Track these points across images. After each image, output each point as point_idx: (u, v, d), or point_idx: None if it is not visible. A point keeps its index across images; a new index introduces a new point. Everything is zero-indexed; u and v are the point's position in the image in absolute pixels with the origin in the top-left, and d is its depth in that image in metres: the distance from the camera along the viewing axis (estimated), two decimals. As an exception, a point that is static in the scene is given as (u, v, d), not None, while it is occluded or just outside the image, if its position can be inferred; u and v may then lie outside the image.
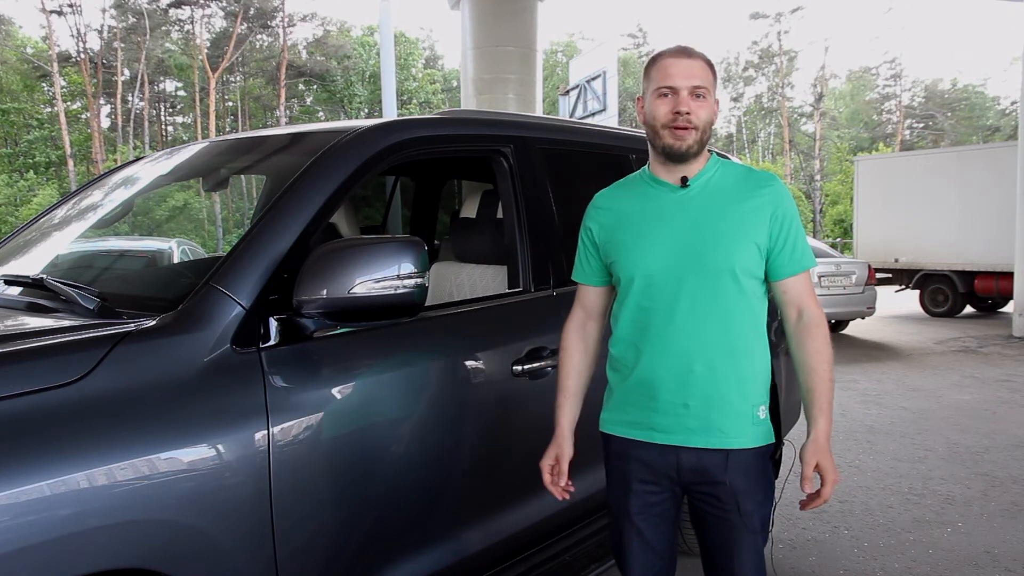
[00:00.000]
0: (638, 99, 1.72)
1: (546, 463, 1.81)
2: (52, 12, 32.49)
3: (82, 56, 33.28)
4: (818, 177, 38.22)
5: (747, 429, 1.63)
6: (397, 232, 3.72)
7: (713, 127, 1.67)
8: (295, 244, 1.72)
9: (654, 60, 1.66)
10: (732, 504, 1.63)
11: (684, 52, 1.63)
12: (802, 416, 4.20)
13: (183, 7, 36.07)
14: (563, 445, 1.80)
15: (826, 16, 68.58)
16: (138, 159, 2.85)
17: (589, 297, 1.84)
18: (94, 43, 34.57)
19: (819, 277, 9.80)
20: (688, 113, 1.59)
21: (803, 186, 38.00)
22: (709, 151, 1.73)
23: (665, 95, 1.61)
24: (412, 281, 1.69)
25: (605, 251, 1.74)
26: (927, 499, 4.05)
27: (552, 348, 2.22)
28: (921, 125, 44.10)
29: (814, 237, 25.38)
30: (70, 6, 32.53)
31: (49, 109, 33.69)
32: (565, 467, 1.80)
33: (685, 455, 1.64)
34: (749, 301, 1.64)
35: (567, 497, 1.82)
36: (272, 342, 1.65)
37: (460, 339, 2.10)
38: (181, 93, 39.16)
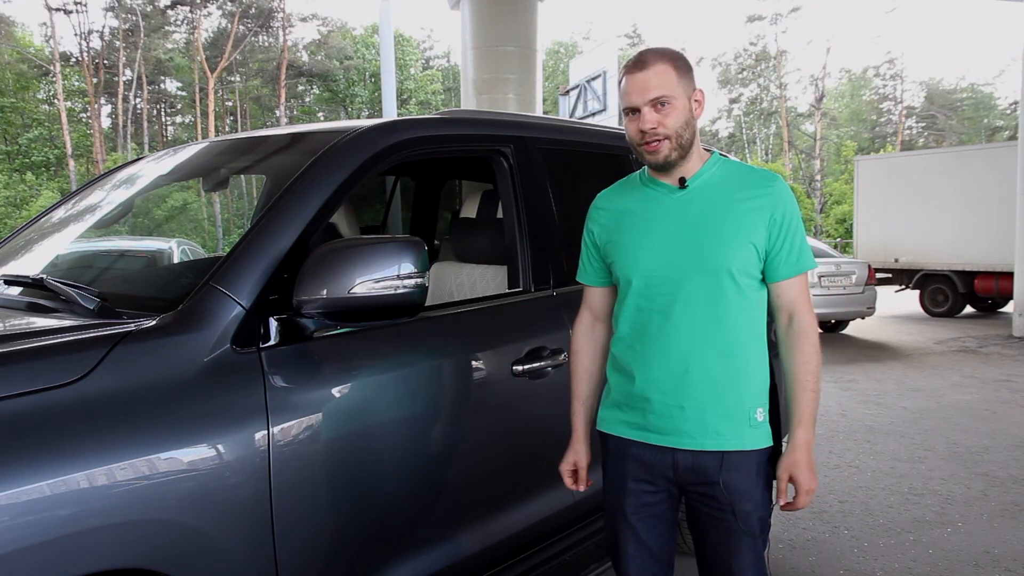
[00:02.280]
0: None
1: (566, 468, 1.84)
2: (56, 10, 32.52)
3: (83, 56, 33.29)
4: (818, 177, 38.23)
5: (743, 431, 1.63)
6: (397, 232, 3.73)
7: (695, 123, 1.62)
8: (295, 244, 1.72)
9: (620, 78, 1.64)
10: (728, 505, 1.62)
11: (638, 64, 1.59)
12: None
13: (181, 7, 36.08)
14: (580, 451, 1.83)
15: (826, 16, 68.55)
16: (138, 159, 2.85)
17: (594, 298, 1.84)
18: (95, 43, 34.64)
19: (819, 277, 9.80)
20: (653, 127, 1.57)
21: (803, 186, 38.00)
22: (709, 150, 1.72)
23: (631, 114, 1.61)
24: (412, 281, 1.69)
25: (605, 252, 1.74)
26: (927, 499, 4.05)
27: (552, 348, 2.22)
28: (922, 125, 44.10)
29: (815, 237, 25.36)
30: (76, 4, 32.56)
31: (48, 108, 33.67)
32: (584, 473, 1.83)
33: (681, 455, 1.64)
34: (747, 302, 1.63)
35: (586, 488, 1.86)
36: (272, 342, 1.65)
37: (460, 339, 2.10)
38: (181, 93, 39.16)
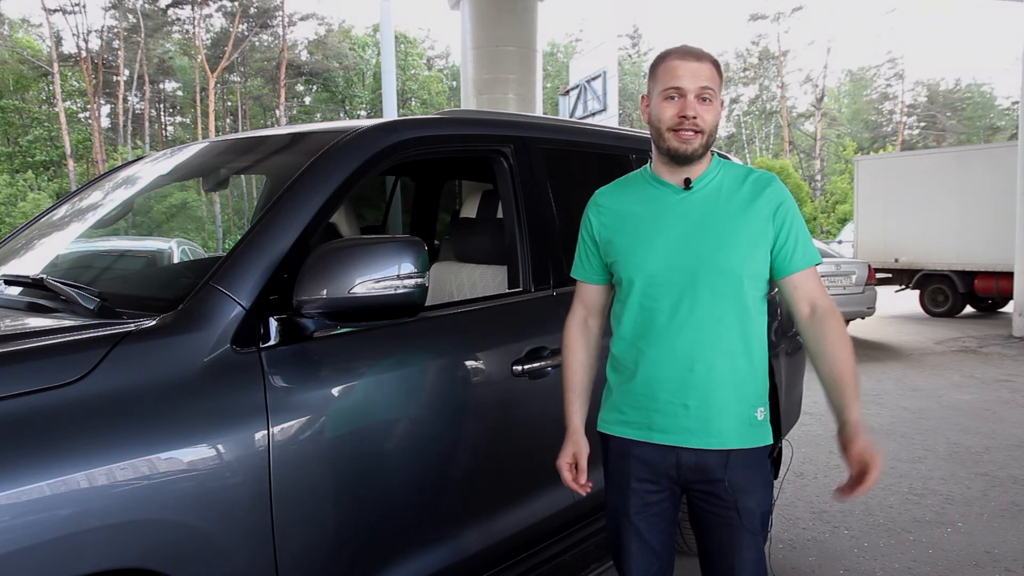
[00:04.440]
0: (643, 98, 1.71)
1: (564, 462, 1.79)
2: (54, 11, 32.56)
3: (82, 56, 33.29)
4: (819, 177, 38.23)
5: (745, 430, 1.63)
6: (397, 232, 3.72)
7: (717, 128, 1.67)
8: (295, 244, 1.72)
9: (661, 59, 1.64)
10: (732, 502, 1.63)
11: (692, 54, 1.61)
12: (802, 416, 4.22)
13: (182, 7, 36.10)
14: (579, 442, 1.79)
15: (827, 16, 68.57)
16: (138, 159, 2.85)
17: (589, 294, 1.84)
18: (94, 43, 34.64)
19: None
20: (695, 117, 1.58)
21: (807, 184, 37.98)
22: (711, 152, 1.73)
23: (672, 97, 1.60)
24: (412, 281, 1.69)
25: (606, 250, 1.73)
26: (927, 499, 4.05)
27: (552, 348, 2.22)
28: (923, 124, 44.11)
29: (818, 238, 25.30)
30: (74, 4, 32.59)
31: (48, 108, 33.64)
32: (584, 464, 1.78)
33: (685, 454, 1.64)
34: (750, 303, 1.64)
35: (588, 491, 1.80)
36: (272, 342, 1.65)
37: (460, 339, 2.10)
38: (180, 93, 39.17)
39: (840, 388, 1.61)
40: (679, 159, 1.62)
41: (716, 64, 1.63)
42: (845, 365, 1.61)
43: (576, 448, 1.79)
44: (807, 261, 1.65)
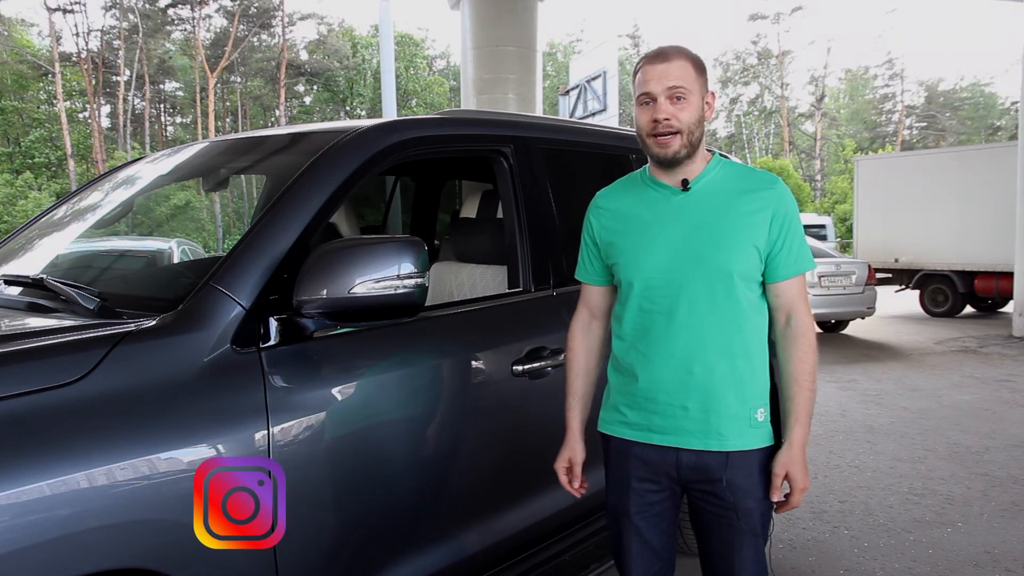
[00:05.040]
0: None
1: (560, 466, 1.83)
2: (55, 10, 32.55)
3: (82, 56, 33.29)
4: (819, 177, 38.24)
5: (745, 432, 1.63)
6: (397, 232, 3.72)
7: (704, 124, 1.64)
8: (295, 244, 1.72)
9: (636, 68, 1.65)
10: (731, 503, 1.63)
11: (659, 56, 1.60)
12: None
13: (182, 7, 36.11)
14: (575, 448, 1.82)
15: (827, 16, 68.59)
16: (138, 159, 2.85)
17: (593, 297, 1.84)
18: (94, 43, 34.64)
19: (819, 277, 9.79)
20: (667, 119, 1.57)
21: (808, 184, 37.99)
22: (711, 151, 1.72)
23: (646, 103, 1.60)
24: (412, 281, 1.69)
25: (607, 252, 1.74)
26: (927, 499, 4.05)
27: (552, 348, 2.22)
28: (923, 124, 44.12)
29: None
30: (75, 3, 32.58)
31: (48, 108, 33.62)
32: (579, 470, 1.82)
33: (685, 455, 1.64)
34: (749, 304, 1.63)
35: (582, 494, 1.85)
36: (272, 342, 1.65)
37: (460, 339, 2.10)
38: (180, 93, 39.18)
39: (790, 409, 1.66)
40: (665, 163, 1.62)
41: (691, 60, 1.61)
42: (801, 388, 1.64)
43: (572, 453, 1.82)
44: (796, 269, 1.65)
